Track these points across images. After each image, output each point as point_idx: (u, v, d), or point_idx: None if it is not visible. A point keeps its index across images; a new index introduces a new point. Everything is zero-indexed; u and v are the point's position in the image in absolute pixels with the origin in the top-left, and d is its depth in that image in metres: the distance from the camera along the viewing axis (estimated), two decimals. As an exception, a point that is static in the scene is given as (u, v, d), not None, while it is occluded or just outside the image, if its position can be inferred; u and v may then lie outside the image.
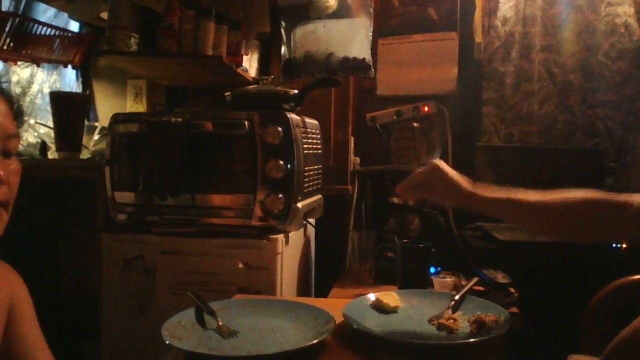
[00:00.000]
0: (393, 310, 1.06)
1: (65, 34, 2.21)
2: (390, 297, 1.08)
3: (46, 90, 2.27)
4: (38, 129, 2.04)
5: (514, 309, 1.40)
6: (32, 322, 0.86)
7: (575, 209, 0.96)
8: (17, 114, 0.81)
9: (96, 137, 1.98)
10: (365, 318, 1.00)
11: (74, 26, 2.30)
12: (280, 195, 1.42)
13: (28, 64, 2.22)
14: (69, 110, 1.86)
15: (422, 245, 1.46)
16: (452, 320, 0.97)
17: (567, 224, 0.97)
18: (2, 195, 0.76)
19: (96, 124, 2.14)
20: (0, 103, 0.77)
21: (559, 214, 0.97)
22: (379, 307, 1.06)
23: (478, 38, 2.10)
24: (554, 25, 2.07)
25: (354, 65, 2.07)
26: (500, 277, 1.44)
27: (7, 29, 1.91)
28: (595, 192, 0.95)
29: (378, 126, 2.15)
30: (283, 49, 2.15)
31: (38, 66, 2.23)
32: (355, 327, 0.94)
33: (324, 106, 2.09)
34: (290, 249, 1.53)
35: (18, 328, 0.83)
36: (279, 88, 1.61)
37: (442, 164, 1.04)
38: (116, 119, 1.56)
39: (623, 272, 1.29)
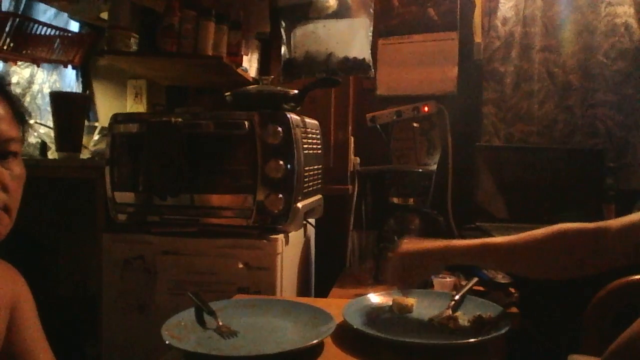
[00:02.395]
0: (410, 310, 1.06)
1: (65, 34, 2.21)
2: (403, 298, 1.08)
3: (46, 90, 2.26)
4: (38, 129, 2.04)
5: (514, 309, 1.40)
6: (34, 322, 0.86)
7: (549, 242, 0.95)
8: (20, 117, 0.79)
9: (96, 137, 1.98)
10: (365, 318, 1.00)
11: (74, 26, 2.30)
12: (280, 196, 1.42)
13: (28, 64, 2.22)
14: (69, 110, 1.86)
15: (422, 245, 1.45)
16: (452, 320, 0.97)
17: (544, 260, 0.97)
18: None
19: (96, 124, 2.14)
20: None
21: (532, 250, 0.97)
22: (399, 308, 1.06)
23: (478, 38, 2.10)
24: (554, 25, 2.07)
25: (354, 65, 2.07)
26: (500, 277, 1.44)
27: (7, 29, 1.91)
28: (569, 224, 0.95)
29: (378, 126, 2.15)
30: (283, 49, 2.15)
31: (38, 66, 2.23)
32: (355, 327, 0.94)
33: (324, 106, 2.09)
34: (290, 249, 1.53)
35: (20, 328, 0.83)
36: (279, 88, 1.61)
37: (404, 245, 1.06)
38: (116, 119, 1.56)
39: (623, 272, 1.29)
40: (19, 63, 2.21)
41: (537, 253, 0.97)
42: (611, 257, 0.92)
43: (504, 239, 0.99)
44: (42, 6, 2.21)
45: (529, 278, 1.01)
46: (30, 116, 2.18)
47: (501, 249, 0.99)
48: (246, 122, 1.44)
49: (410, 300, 1.07)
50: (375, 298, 1.11)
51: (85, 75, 2.35)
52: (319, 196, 1.75)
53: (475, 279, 1.24)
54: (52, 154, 1.98)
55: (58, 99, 1.88)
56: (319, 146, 1.71)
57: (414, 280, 1.07)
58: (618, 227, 0.90)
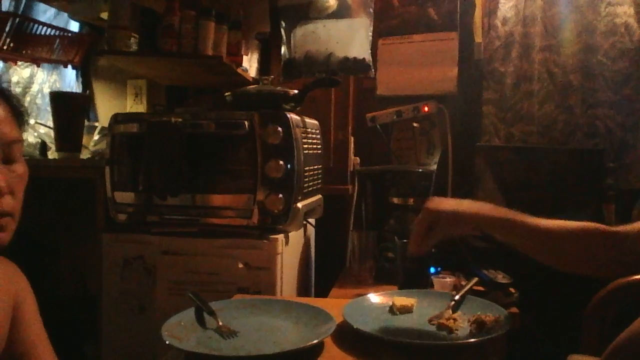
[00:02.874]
0: (410, 310, 1.06)
1: (65, 34, 2.21)
2: (403, 298, 1.08)
3: (46, 90, 2.26)
4: (38, 129, 2.04)
5: (514, 309, 1.40)
6: (36, 322, 0.86)
7: (573, 236, 0.95)
8: (19, 116, 0.78)
9: (96, 137, 1.98)
10: (365, 318, 1.00)
11: (74, 26, 2.30)
12: (280, 195, 1.42)
13: (28, 64, 2.21)
14: (69, 110, 1.86)
15: (422, 245, 1.46)
16: (452, 320, 0.97)
17: (565, 251, 0.96)
18: (7, 205, 0.74)
19: (96, 124, 2.13)
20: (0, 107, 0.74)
21: (557, 238, 0.96)
22: (399, 308, 1.05)
23: (478, 38, 2.10)
24: (554, 25, 2.06)
25: (354, 65, 2.07)
26: (500, 277, 1.44)
27: (7, 29, 1.91)
28: (594, 224, 0.95)
29: (378, 126, 2.15)
30: (283, 49, 2.15)
31: (38, 66, 2.22)
32: (355, 327, 0.93)
33: (324, 106, 2.09)
34: (290, 249, 1.53)
35: (23, 328, 0.83)
36: (279, 88, 1.61)
37: (434, 203, 1.03)
38: (116, 119, 1.56)
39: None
40: (19, 63, 2.21)
41: (562, 243, 0.96)
42: (628, 261, 0.91)
43: (532, 218, 0.98)
44: (42, 6, 2.20)
45: (543, 264, 1.00)
46: (29, 115, 2.17)
47: (525, 226, 0.97)
48: (246, 122, 1.44)
49: (410, 300, 1.07)
50: (375, 298, 1.11)
51: (85, 75, 2.35)
52: (319, 196, 1.75)
53: (475, 279, 1.24)
54: (52, 154, 1.98)
55: (58, 99, 1.88)
56: (319, 146, 1.71)
57: (436, 239, 1.03)
58: (636, 233, 0.89)
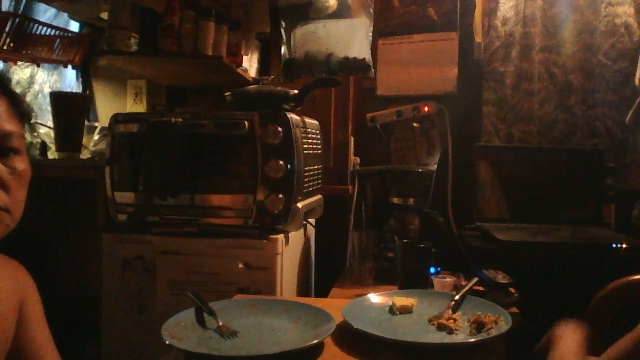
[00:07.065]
0: (410, 310, 1.06)
1: (65, 34, 2.21)
2: (403, 298, 1.08)
3: (46, 90, 2.27)
4: (38, 129, 2.04)
5: (514, 309, 1.40)
6: (41, 322, 0.86)
7: None
8: (19, 109, 0.76)
9: (96, 137, 1.98)
10: (365, 318, 1.00)
11: (74, 26, 2.30)
12: (280, 195, 1.42)
13: (28, 64, 2.22)
14: (69, 110, 1.87)
15: (422, 245, 1.46)
16: (452, 320, 0.97)
17: None
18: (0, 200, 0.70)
19: (96, 124, 2.14)
20: None
21: None
22: (399, 308, 1.06)
23: (478, 38, 2.10)
24: (554, 25, 2.06)
25: (354, 65, 2.07)
26: (500, 277, 1.44)
27: (7, 29, 1.91)
28: None
29: (378, 126, 2.15)
30: (283, 49, 2.15)
31: (38, 66, 2.22)
32: (355, 327, 0.93)
33: (324, 106, 2.09)
34: (290, 249, 1.53)
35: (29, 327, 0.82)
36: (279, 88, 1.61)
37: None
38: (116, 119, 1.56)
39: (623, 272, 1.29)
40: (19, 63, 2.21)
41: None
42: None
43: None
44: (42, 6, 2.20)
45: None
46: (32, 110, 2.18)
47: None
48: (246, 122, 1.44)
49: (410, 300, 1.07)
50: (375, 298, 1.11)
51: (85, 75, 2.35)
52: (319, 196, 1.75)
53: (475, 279, 1.24)
54: (52, 154, 1.98)
55: (58, 99, 1.88)
56: (319, 146, 1.71)
57: None
58: None
